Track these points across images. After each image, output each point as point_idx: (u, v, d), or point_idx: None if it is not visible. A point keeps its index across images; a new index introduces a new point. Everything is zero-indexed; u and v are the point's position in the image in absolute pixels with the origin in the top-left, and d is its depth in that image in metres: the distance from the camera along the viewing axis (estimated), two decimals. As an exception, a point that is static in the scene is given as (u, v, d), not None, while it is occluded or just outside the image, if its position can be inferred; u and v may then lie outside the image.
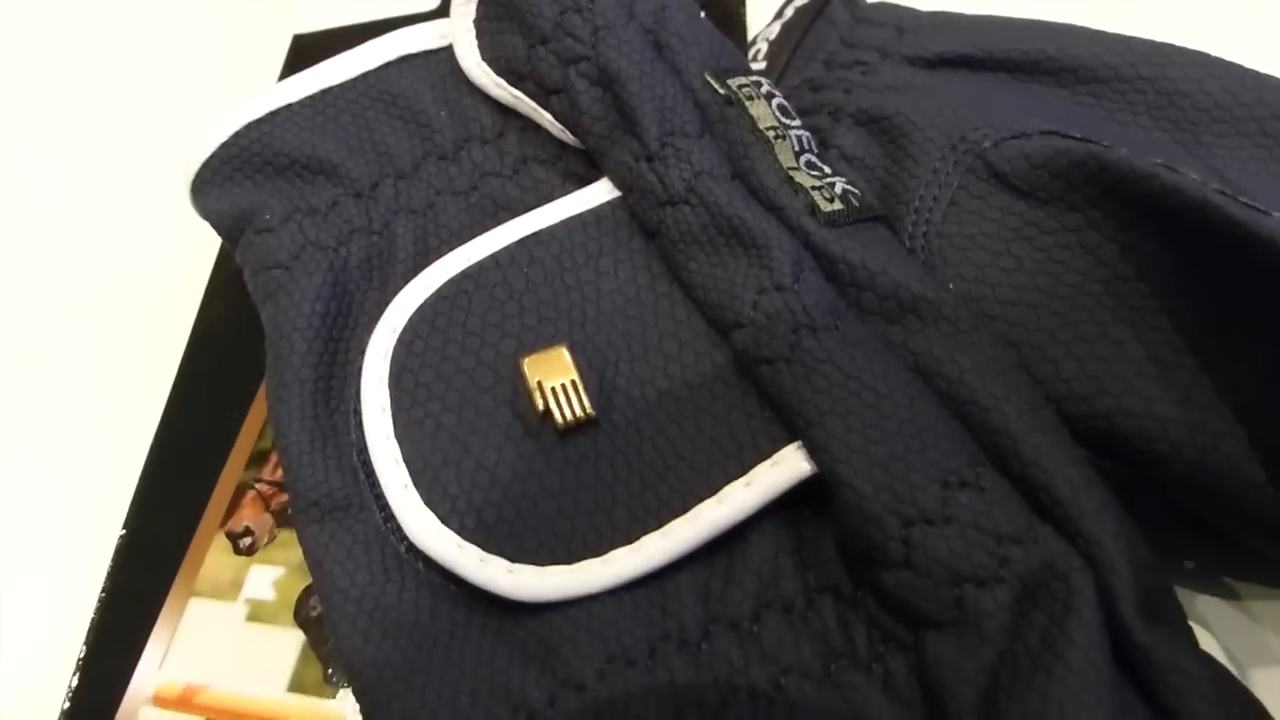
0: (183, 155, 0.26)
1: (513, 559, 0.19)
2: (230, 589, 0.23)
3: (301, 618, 0.22)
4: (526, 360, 0.20)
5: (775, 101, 0.23)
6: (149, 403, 0.27)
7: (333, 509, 0.21)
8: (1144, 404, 0.19)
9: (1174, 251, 0.19)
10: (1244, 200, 0.20)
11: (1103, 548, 0.17)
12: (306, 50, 0.34)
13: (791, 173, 0.21)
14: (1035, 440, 0.18)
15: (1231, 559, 0.21)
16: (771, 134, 0.22)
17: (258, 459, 0.24)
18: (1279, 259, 0.17)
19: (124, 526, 0.24)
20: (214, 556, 0.23)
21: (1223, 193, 0.20)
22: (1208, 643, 0.20)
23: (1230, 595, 0.21)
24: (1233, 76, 0.23)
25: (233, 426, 0.25)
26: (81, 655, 0.23)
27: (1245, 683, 0.20)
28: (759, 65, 0.28)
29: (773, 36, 0.29)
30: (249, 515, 0.24)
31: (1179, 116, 0.23)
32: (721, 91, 0.22)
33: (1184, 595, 0.21)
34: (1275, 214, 0.19)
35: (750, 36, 0.30)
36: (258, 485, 0.24)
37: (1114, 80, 0.24)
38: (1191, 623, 0.20)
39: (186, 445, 0.25)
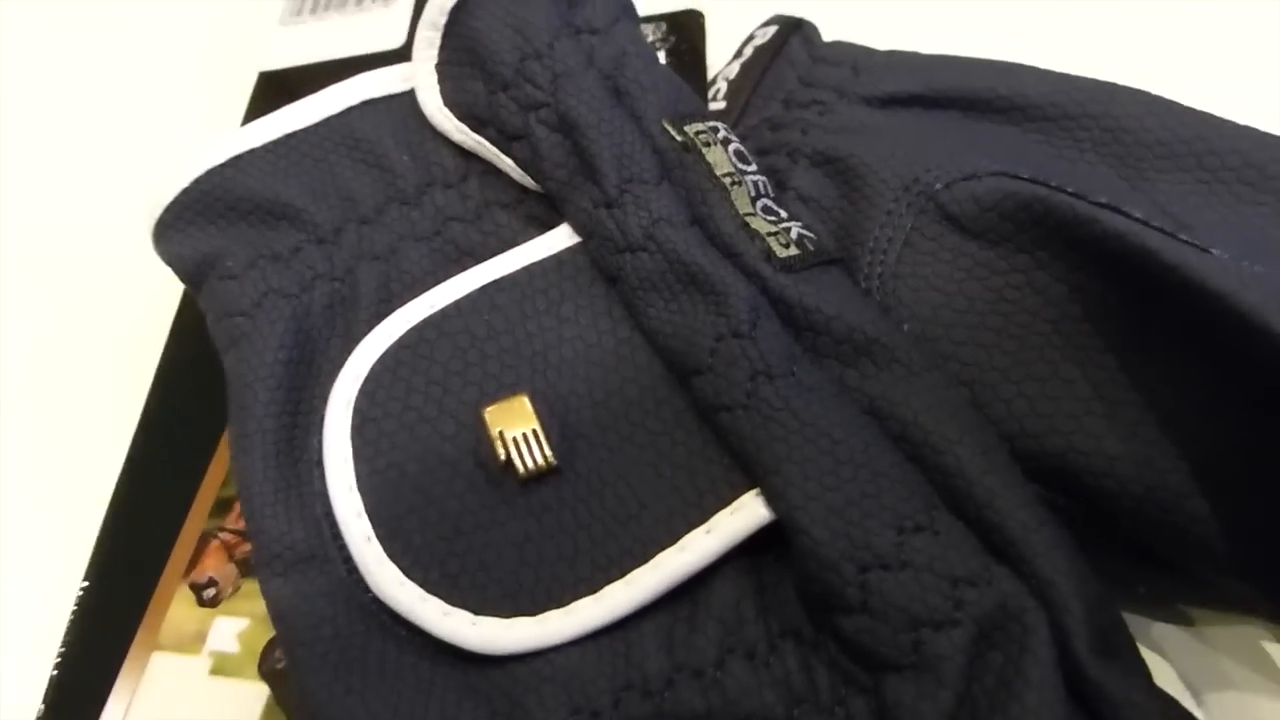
0: (148, 194, 0.26)
1: (476, 611, 0.19)
2: (194, 642, 0.22)
3: (266, 671, 0.22)
4: (488, 410, 0.20)
5: (732, 147, 0.23)
6: (110, 450, 0.26)
7: (296, 561, 0.21)
8: (1093, 442, 0.19)
9: (1117, 293, 0.20)
10: (1184, 237, 0.20)
11: (1055, 587, 0.17)
12: (273, 86, 0.34)
13: (748, 219, 0.22)
14: (988, 482, 0.18)
15: (1183, 586, 0.21)
16: (728, 180, 0.22)
17: (221, 507, 0.24)
18: (1213, 303, 0.17)
19: (85, 579, 0.24)
20: (177, 608, 0.23)
21: (1163, 231, 0.20)
22: (1163, 668, 0.21)
23: (1184, 620, 0.22)
24: (1172, 114, 0.24)
25: (195, 474, 0.25)
26: (40, 715, 0.22)
27: (1200, 705, 0.20)
28: (719, 105, 0.29)
29: (732, 76, 0.29)
30: (213, 565, 0.24)
31: (1123, 152, 0.24)
32: (679, 138, 0.23)
33: (1139, 621, 0.21)
34: (1214, 251, 0.20)
35: (711, 75, 0.30)
36: (221, 534, 0.24)
37: (1061, 118, 0.25)
38: (1146, 648, 0.21)
39: (148, 494, 0.25)
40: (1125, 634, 0.18)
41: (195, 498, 0.25)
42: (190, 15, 0.40)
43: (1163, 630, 0.21)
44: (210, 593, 0.23)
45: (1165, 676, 0.21)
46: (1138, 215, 0.21)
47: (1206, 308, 0.17)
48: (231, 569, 0.23)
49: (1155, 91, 0.24)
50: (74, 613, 0.24)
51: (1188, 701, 0.20)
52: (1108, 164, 0.24)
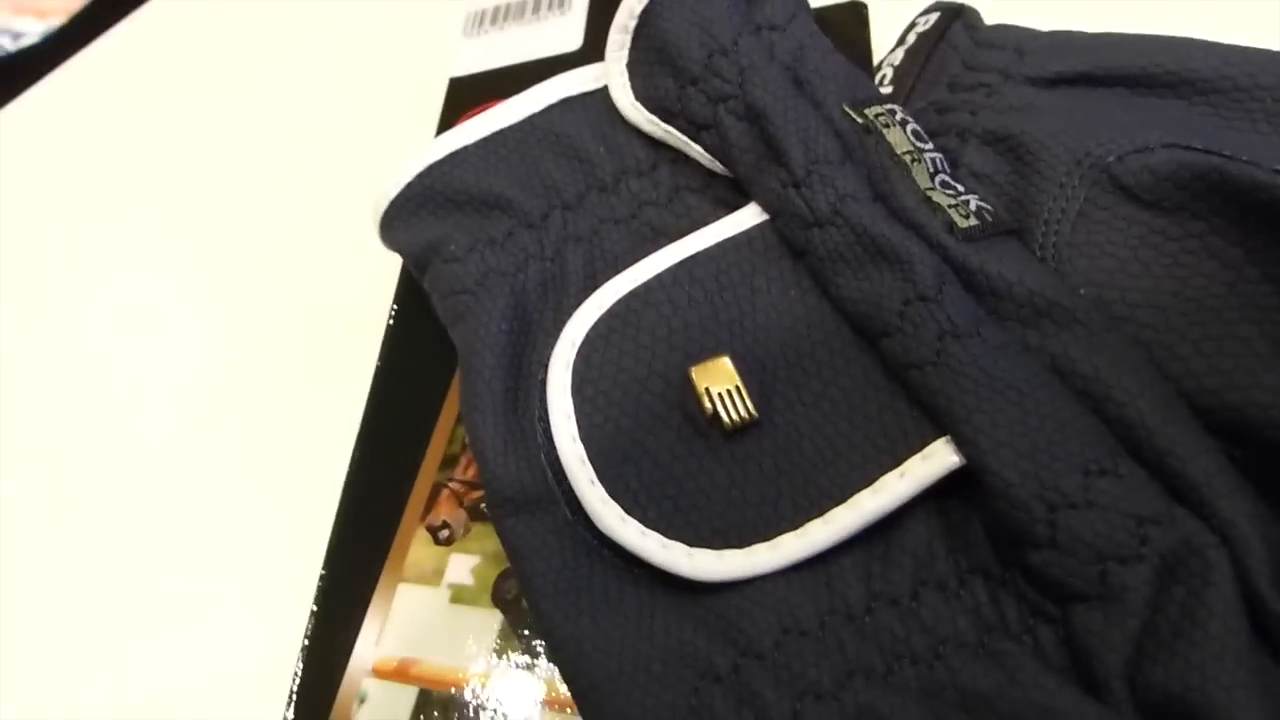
0: (352, 188, 0.30)
1: (691, 544, 0.21)
2: (433, 576, 0.26)
3: (499, 600, 0.25)
4: (694, 369, 0.23)
5: (910, 127, 0.25)
6: (350, 414, 0.30)
7: (525, 503, 0.23)
8: (1272, 395, 0.20)
9: (1297, 254, 0.21)
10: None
11: (1237, 527, 0.18)
12: (462, 92, 0.37)
13: (929, 193, 0.23)
14: (1169, 431, 0.19)
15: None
16: (908, 158, 0.24)
17: (449, 462, 0.28)
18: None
19: (335, 524, 0.28)
20: (417, 548, 0.26)
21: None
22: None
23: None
24: (1353, 82, 0.24)
25: (425, 432, 0.28)
26: (308, 633, 0.26)
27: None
28: (885, 89, 0.30)
29: (897, 62, 0.31)
30: (446, 511, 0.27)
31: (1299, 123, 0.24)
32: (860, 121, 0.25)
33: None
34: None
35: (875, 61, 0.32)
36: (451, 484, 0.27)
37: (1232, 90, 0.25)
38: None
39: (385, 451, 0.29)
40: (1307, 576, 0.19)
41: (426, 454, 0.28)
42: (382, 35, 0.45)
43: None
44: (445, 534, 0.26)
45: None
46: (1314, 185, 0.22)
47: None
48: (462, 514, 0.27)
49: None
50: (328, 553, 0.27)
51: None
52: (1280, 133, 0.25)
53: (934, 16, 0.31)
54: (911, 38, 0.31)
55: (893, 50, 0.31)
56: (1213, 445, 0.19)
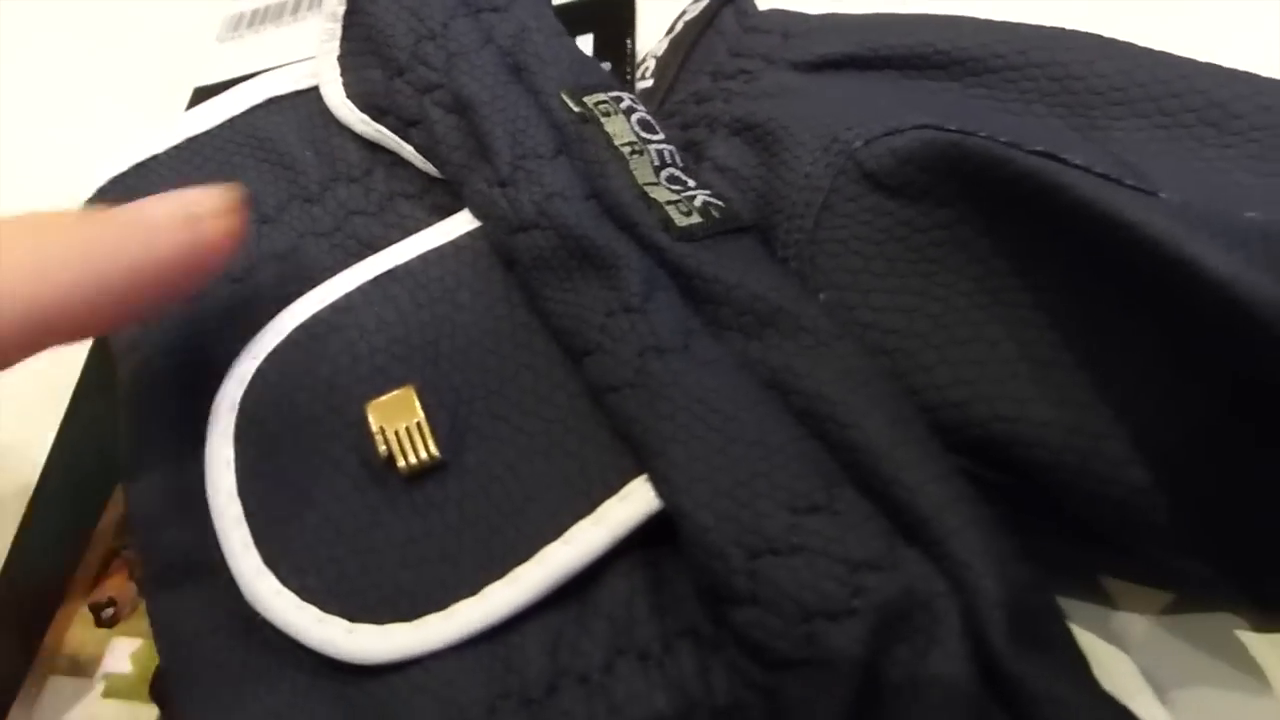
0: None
1: (352, 618, 0.18)
2: (91, 663, 0.21)
3: (158, 693, 0.21)
4: (371, 404, 0.19)
5: (636, 116, 0.22)
6: (30, 472, 0.26)
7: (185, 572, 0.19)
8: (1019, 407, 0.17)
9: (1042, 241, 0.18)
10: (1130, 182, 0.18)
11: (970, 568, 0.15)
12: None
13: (648, 188, 0.20)
14: (897, 455, 0.16)
15: (1139, 570, 0.19)
16: (628, 150, 0.21)
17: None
18: (1126, 234, 0.15)
19: (-9, 602, 0.23)
20: (77, 630, 0.22)
21: (1105, 177, 0.18)
22: (1123, 662, 0.19)
23: (1147, 608, 0.19)
24: (1126, 56, 0.22)
25: (104, 491, 0.24)
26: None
27: (1166, 702, 0.18)
28: (647, 83, 0.27)
29: (660, 53, 0.28)
30: (115, 584, 0.22)
31: (1073, 101, 0.22)
32: (577, 109, 0.21)
33: (1096, 612, 0.19)
34: (1163, 194, 0.18)
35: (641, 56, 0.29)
36: (127, 552, 0.23)
37: (1004, 69, 0.23)
38: (1105, 640, 0.19)
39: (60, 511, 0.24)
40: (1059, 623, 0.16)
41: (104, 514, 0.24)
42: (130, 39, 0.40)
43: (1123, 621, 0.19)
44: (109, 612, 0.22)
45: (1126, 671, 0.18)
46: (1077, 162, 0.19)
47: (1122, 240, 0.15)
48: (131, 587, 0.22)
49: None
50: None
51: (1150, 699, 0.18)
52: (1057, 114, 0.22)
53: (703, 3, 0.28)
54: (679, 26, 0.28)
55: (660, 41, 0.28)
56: (948, 470, 0.16)
